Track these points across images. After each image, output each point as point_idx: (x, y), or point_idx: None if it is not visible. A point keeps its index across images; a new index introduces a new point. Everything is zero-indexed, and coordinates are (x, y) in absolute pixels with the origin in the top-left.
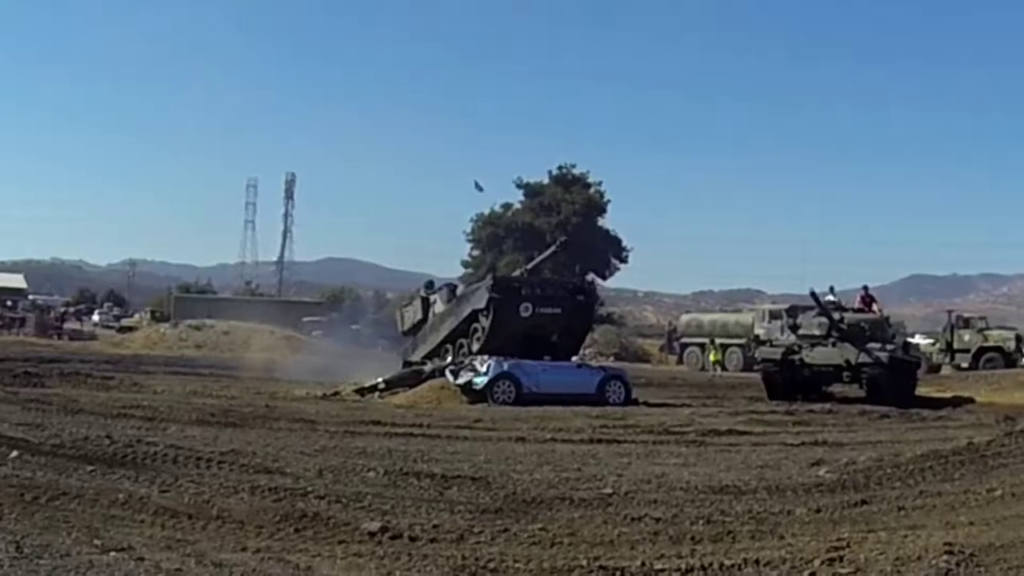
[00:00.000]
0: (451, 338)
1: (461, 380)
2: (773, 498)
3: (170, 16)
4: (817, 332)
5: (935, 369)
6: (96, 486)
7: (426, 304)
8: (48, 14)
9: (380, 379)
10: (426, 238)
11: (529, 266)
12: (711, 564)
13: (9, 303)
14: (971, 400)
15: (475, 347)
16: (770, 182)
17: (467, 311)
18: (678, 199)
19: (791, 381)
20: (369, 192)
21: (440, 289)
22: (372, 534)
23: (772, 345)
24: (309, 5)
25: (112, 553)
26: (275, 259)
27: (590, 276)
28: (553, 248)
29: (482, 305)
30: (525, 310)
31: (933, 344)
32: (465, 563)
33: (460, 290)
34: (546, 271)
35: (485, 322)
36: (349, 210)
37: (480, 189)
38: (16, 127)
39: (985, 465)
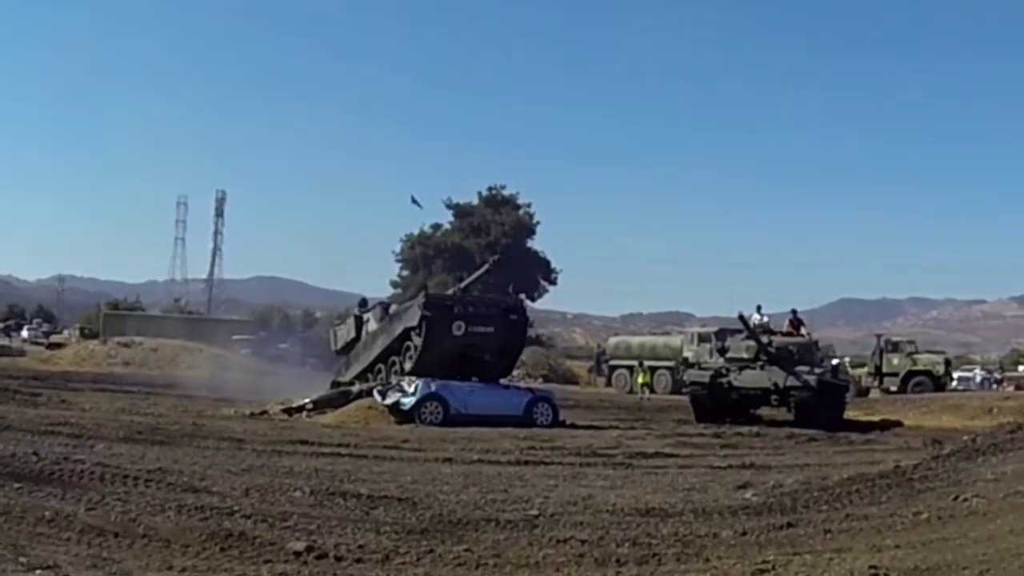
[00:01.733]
0: (384, 356)
1: (389, 400)
2: (699, 521)
3: (99, 31)
4: (746, 355)
5: (864, 392)
6: (22, 503)
7: (359, 323)
8: None
9: (308, 399)
10: (355, 258)
11: (461, 285)
12: None
13: None
14: (899, 424)
15: (408, 366)
16: (700, 205)
17: (399, 329)
18: (606, 221)
19: (719, 404)
20: (299, 211)
21: (373, 308)
22: (298, 554)
23: (701, 368)
24: (237, 22)
25: (38, 571)
26: (204, 277)
27: (522, 295)
28: (486, 267)
29: (414, 323)
30: (458, 328)
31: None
32: None
33: (393, 309)
34: (476, 291)
35: (417, 340)
36: (279, 229)
37: (418, 205)
38: None
39: (912, 489)
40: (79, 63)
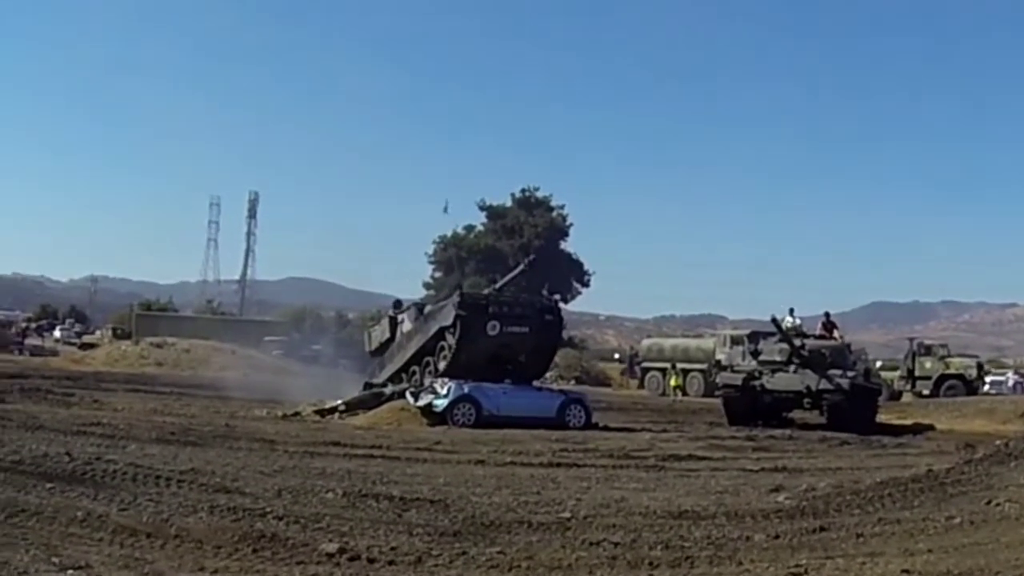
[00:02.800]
0: (418, 357)
1: (421, 402)
2: (732, 524)
3: (133, 34)
4: (778, 358)
5: (896, 396)
6: (55, 503)
7: (393, 323)
8: (9, 31)
9: (340, 400)
10: (388, 259)
11: (496, 285)
12: None
13: None
14: (931, 427)
15: (441, 365)
16: (733, 208)
17: (434, 329)
18: (640, 223)
19: (752, 407)
20: (332, 212)
21: (408, 309)
22: (330, 555)
23: (733, 370)
24: (272, 26)
25: (70, 571)
26: (237, 278)
27: (556, 296)
28: (521, 267)
29: (449, 322)
30: (492, 328)
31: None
32: None
33: (428, 309)
34: (509, 292)
35: (452, 340)
36: (311, 230)
37: (447, 212)
38: None
39: (944, 493)
40: (110, 64)
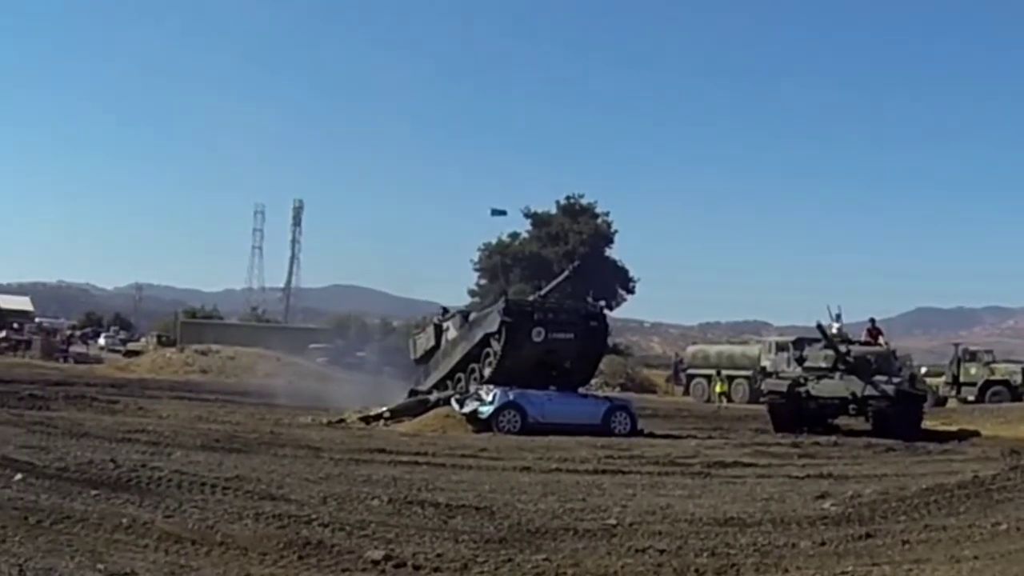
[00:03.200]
0: (463, 364)
1: (466, 409)
2: (778, 531)
3: (178, 42)
4: (823, 364)
5: (941, 402)
6: (100, 510)
7: (439, 331)
8: (55, 36)
9: (385, 407)
10: (433, 266)
11: (542, 292)
12: None
13: (16, 325)
14: (976, 433)
15: (487, 372)
16: (777, 213)
17: (479, 335)
18: (685, 230)
19: (797, 413)
20: (377, 220)
21: (453, 316)
22: (376, 562)
23: (778, 377)
24: (316, 34)
25: None
26: (282, 285)
27: (601, 302)
28: (566, 274)
29: (494, 329)
30: (538, 335)
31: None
32: None
33: (473, 316)
34: (554, 298)
35: (497, 346)
36: (356, 237)
37: (501, 214)
38: (24, 149)
39: (990, 499)
40: (156, 72)
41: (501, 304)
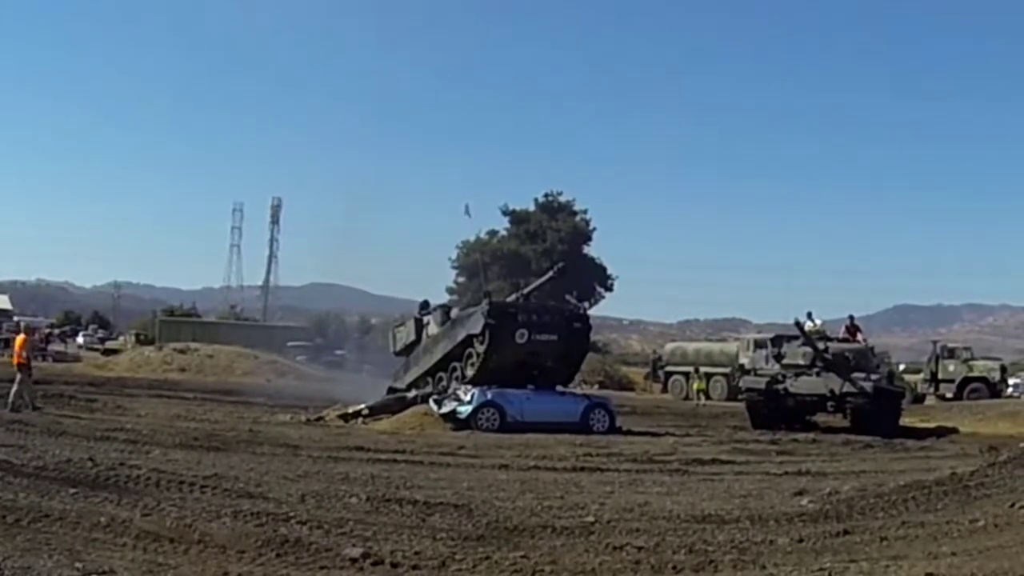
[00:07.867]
0: (444, 362)
1: (445, 409)
2: (756, 528)
3: (155, 42)
4: (802, 361)
5: (919, 399)
6: (78, 509)
7: (420, 325)
8: (38, 38)
9: (364, 405)
10: (411, 264)
11: (525, 291)
12: None
13: None
14: (955, 430)
15: (469, 372)
16: (756, 211)
17: (462, 335)
18: (664, 227)
19: (775, 410)
20: (354, 217)
21: (434, 311)
22: (354, 560)
23: (757, 374)
24: (293, 32)
25: None
26: (260, 283)
27: (585, 303)
28: (550, 274)
29: (477, 330)
30: (521, 336)
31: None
32: None
33: (455, 313)
34: (534, 298)
35: (480, 347)
36: (334, 235)
37: (468, 215)
38: (1, 148)
39: (968, 496)
40: (132, 72)
41: (485, 305)
